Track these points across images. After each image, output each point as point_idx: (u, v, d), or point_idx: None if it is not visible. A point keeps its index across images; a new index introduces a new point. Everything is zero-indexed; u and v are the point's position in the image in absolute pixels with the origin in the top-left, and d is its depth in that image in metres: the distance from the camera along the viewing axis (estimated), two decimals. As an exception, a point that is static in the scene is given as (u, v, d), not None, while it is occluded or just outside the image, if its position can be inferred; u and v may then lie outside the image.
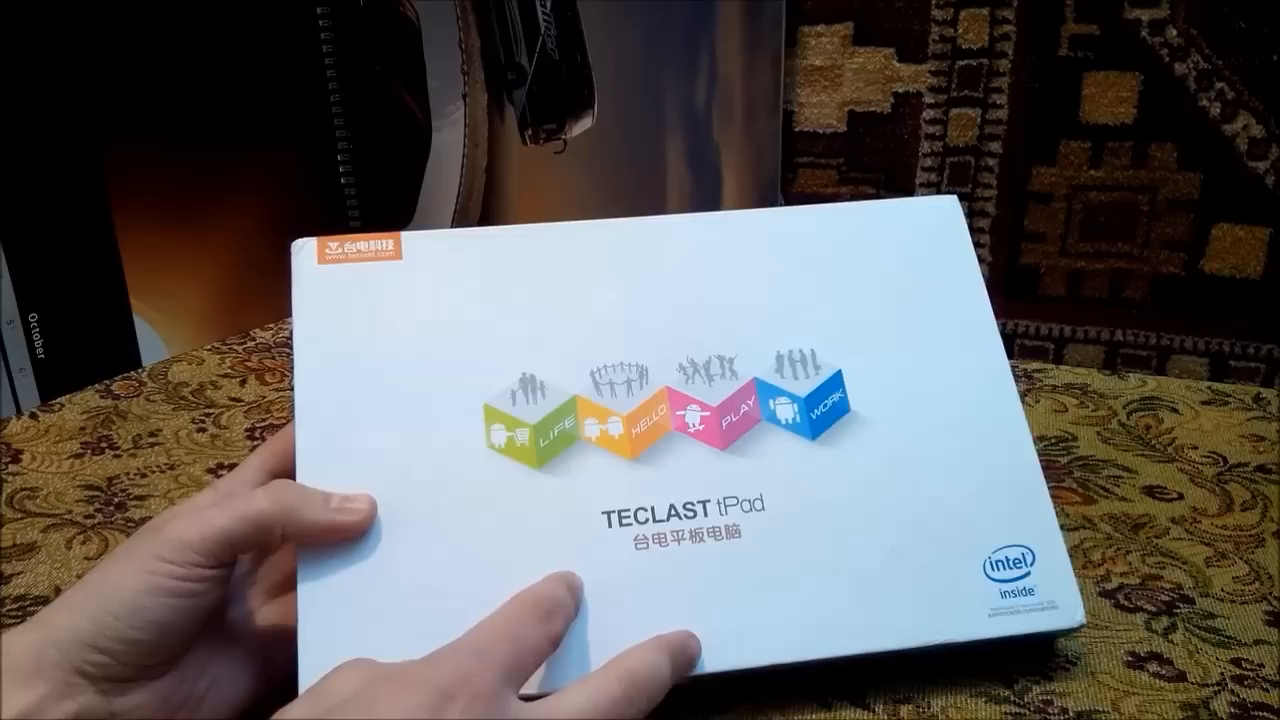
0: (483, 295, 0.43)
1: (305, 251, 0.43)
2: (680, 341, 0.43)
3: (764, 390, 0.43)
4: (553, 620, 0.35)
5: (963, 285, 0.46)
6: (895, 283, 0.46)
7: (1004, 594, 0.40)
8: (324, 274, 0.43)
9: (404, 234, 0.44)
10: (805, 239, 0.46)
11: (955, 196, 0.49)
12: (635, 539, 0.39)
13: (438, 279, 0.43)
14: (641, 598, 0.38)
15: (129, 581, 0.33)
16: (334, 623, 0.36)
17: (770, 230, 0.47)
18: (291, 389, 0.40)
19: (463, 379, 0.41)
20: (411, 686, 0.30)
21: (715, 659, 0.37)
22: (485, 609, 0.34)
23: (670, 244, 0.46)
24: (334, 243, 0.43)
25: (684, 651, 0.36)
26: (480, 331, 0.42)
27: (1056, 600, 0.40)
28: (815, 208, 0.48)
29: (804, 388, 0.43)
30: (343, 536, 0.37)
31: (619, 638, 0.36)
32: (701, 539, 0.39)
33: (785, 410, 0.42)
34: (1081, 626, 0.40)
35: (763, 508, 0.40)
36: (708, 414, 0.42)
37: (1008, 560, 0.41)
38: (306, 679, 0.35)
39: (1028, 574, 0.40)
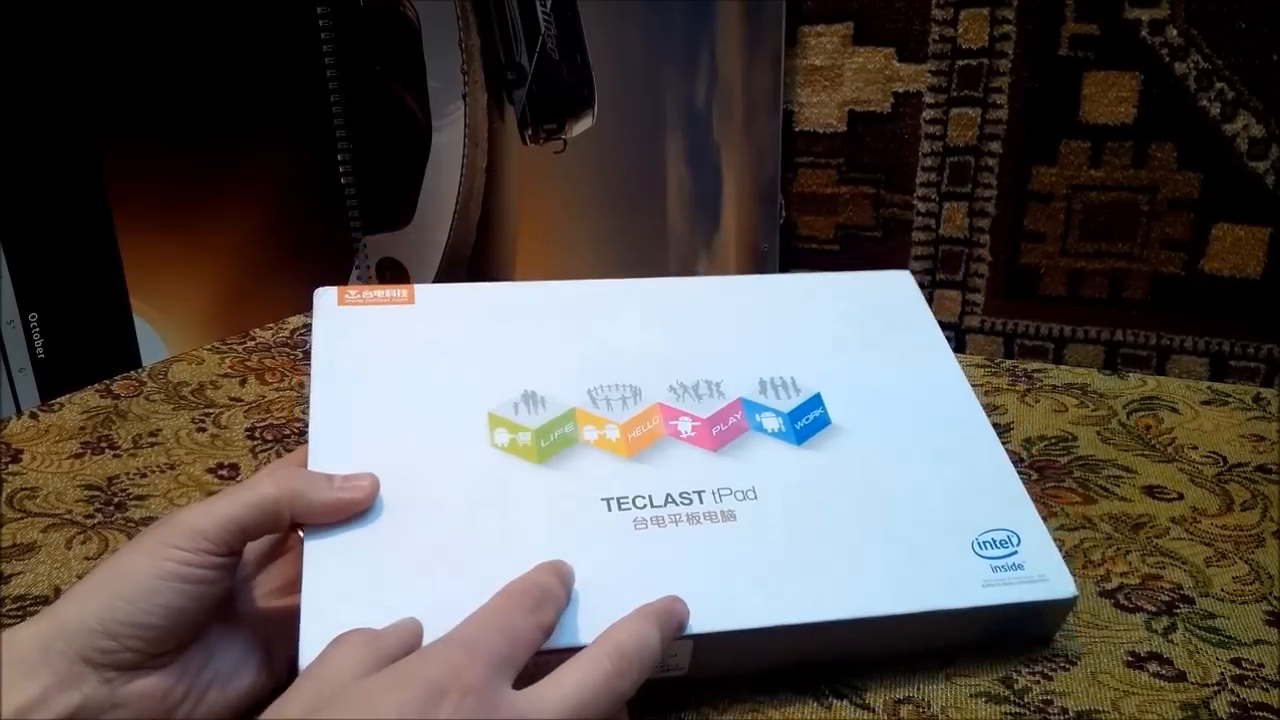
0: (488, 332, 0.47)
1: (326, 296, 0.47)
2: (670, 368, 0.47)
3: (749, 407, 0.46)
4: (543, 609, 0.35)
5: (920, 328, 0.51)
6: (861, 329, 0.51)
7: (995, 569, 0.41)
8: (342, 314, 0.46)
9: (417, 285, 0.48)
10: (779, 297, 0.52)
11: (909, 271, 0.55)
12: (634, 521, 0.40)
13: (447, 319, 0.47)
14: (641, 573, 0.39)
15: (142, 567, 0.34)
16: (338, 611, 0.36)
17: (747, 293, 0.52)
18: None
19: (467, 395, 0.44)
20: (403, 683, 0.30)
21: (713, 620, 0.38)
22: (487, 590, 0.35)
23: (658, 301, 0.50)
24: (352, 290, 0.47)
25: (671, 616, 0.36)
26: (484, 358, 0.45)
27: (1046, 574, 0.41)
28: (785, 276, 0.55)
29: (787, 405, 0.46)
30: (347, 513, 0.38)
31: (620, 613, 0.37)
32: (698, 522, 0.41)
33: (771, 422, 0.45)
34: (1075, 598, 0.41)
35: (756, 497, 0.42)
36: (698, 424, 0.45)
37: (994, 541, 0.42)
38: (307, 660, 0.35)
39: (1015, 552, 0.42)
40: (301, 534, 0.38)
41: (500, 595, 0.35)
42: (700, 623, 0.37)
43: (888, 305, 0.52)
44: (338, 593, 0.36)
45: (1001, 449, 0.46)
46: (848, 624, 0.39)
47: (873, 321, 0.51)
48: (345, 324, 0.46)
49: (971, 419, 0.47)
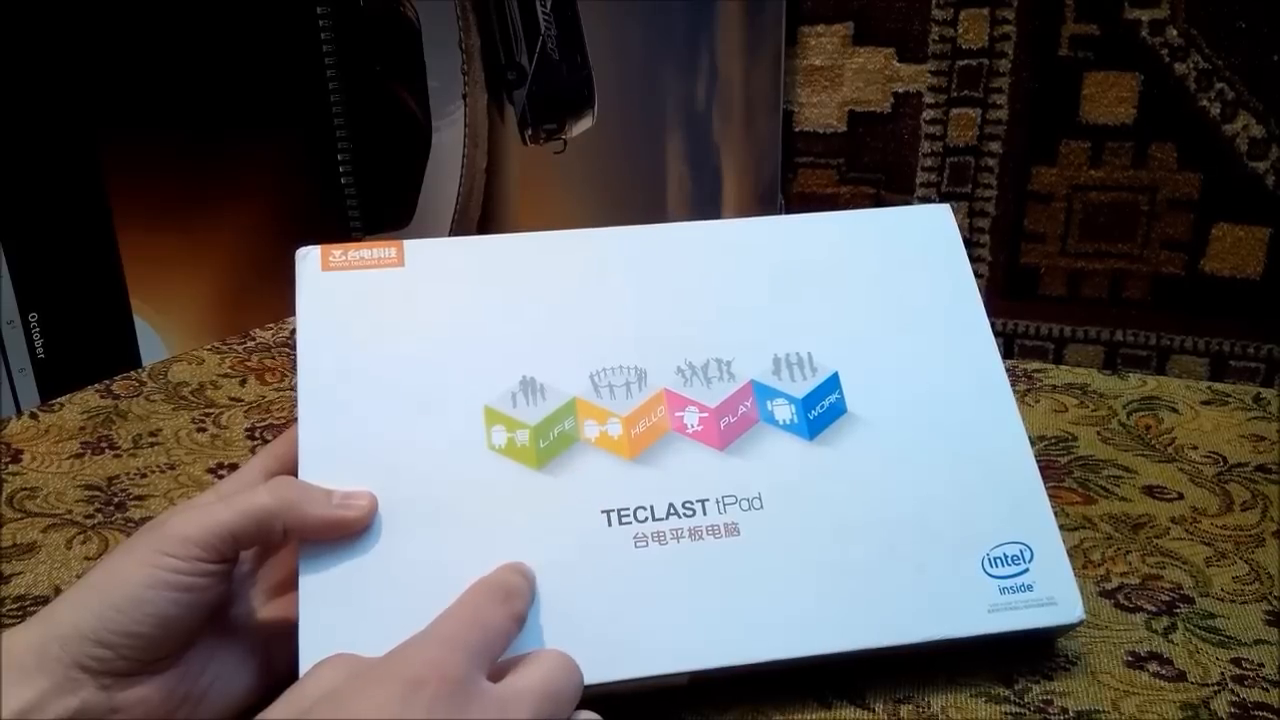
0: (484, 300, 0.44)
1: (309, 259, 0.43)
2: (678, 344, 0.44)
3: (761, 392, 0.43)
4: (513, 602, 0.35)
5: (957, 289, 0.47)
6: (890, 288, 0.46)
7: (1003, 590, 0.40)
8: (327, 281, 0.43)
9: (406, 241, 0.44)
10: (801, 246, 0.47)
11: (948, 205, 0.49)
12: (635, 537, 0.39)
13: (439, 285, 0.44)
14: (641, 595, 0.38)
15: (132, 575, 0.33)
16: (335, 620, 0.36)
17: (766, 238, 0.47)
18: (292, 389, 0.41)
19: (463, 381, 0.42)
20: (381, 680, 0.30)
21: (715, 655, 0.38)
22: None
23: (668, 251, 0.46)
24: (337, 250, 0.44)
25: None
26: (481, 335, 0.43)
27: (1055, 596, 0.40)
28: (810, 216, 0.48)
29: (801, 389, 0.43)
30: (344, 532, 0.37)
31: (619, 634, 0.37)
32: (701, 537, 0.40)
33: (783, 411, 0.43)
34: (1081, 622, 0.40)
35: (761, 506, 0.41)
36: (706, 415, 0.42)
37: (1006, 557, 0.41)
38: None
39: (1026, 570, 0.41)
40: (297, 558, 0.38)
41: (469, 592, 0.35)
42: (696, 658, 0.37)
43: (919, 257, 0.47)
44: (334, 617, 0.36)
45: (1025, 439, 0.44)
46: (843, 654, 0.39)
47: (901, 278, 0.46)
48: (331, 296, 0.42)
49: (997, 404, 0.44)
